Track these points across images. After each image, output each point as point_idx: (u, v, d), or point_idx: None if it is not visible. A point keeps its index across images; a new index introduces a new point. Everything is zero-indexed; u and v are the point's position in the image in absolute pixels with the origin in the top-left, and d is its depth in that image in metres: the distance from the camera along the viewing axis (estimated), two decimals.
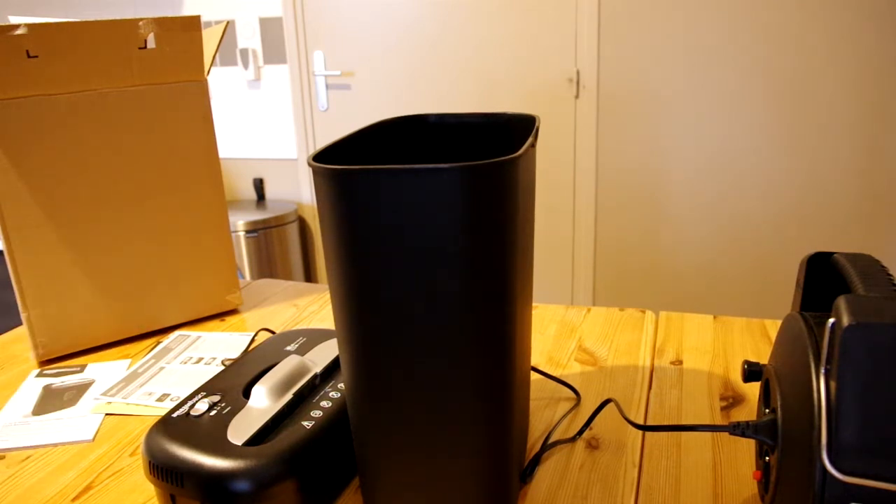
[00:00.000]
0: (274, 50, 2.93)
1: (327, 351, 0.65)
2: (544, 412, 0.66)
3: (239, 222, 2.76)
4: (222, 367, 0.74)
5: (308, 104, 2.95)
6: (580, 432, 0.63)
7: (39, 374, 0.79)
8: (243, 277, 2.85)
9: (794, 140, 2.35)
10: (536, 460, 0.58)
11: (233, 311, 0.95)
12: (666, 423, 0.64)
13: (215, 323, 0.91)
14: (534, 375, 0.73)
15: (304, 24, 2.86)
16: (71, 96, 0.77)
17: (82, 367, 0.80)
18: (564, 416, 0.66)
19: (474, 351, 0.44)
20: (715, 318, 0.86)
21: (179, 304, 0.89)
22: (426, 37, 2.70)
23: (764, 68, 2.31)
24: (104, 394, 0.73)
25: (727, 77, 2.36)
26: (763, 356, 0.75)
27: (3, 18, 3.36)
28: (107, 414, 0.69)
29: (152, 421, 0.68)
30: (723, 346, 0.78)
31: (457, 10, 2.62)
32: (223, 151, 3.17)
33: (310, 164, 0.43)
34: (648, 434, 0.62)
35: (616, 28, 2.43)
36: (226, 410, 0.54)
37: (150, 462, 0.50)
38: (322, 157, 0.48)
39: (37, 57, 0.74)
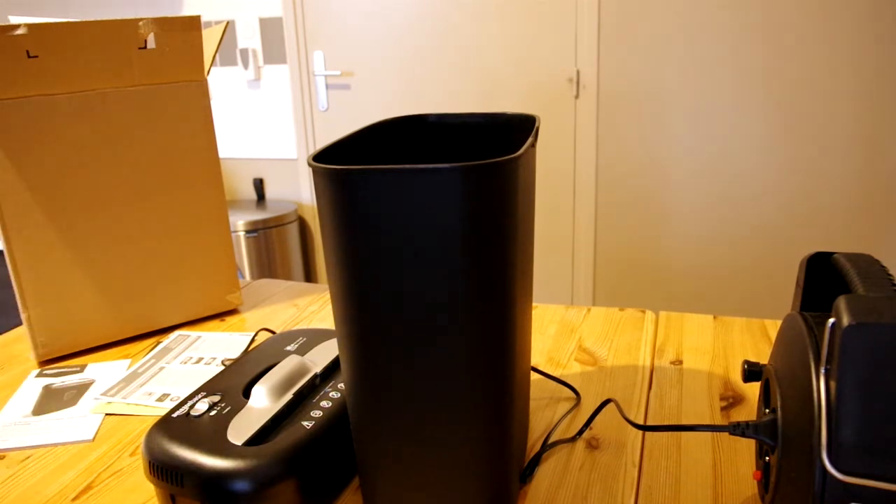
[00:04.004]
0: (274, 50, 2.93)
1: (327, 351, 0.65)
2: (544, 412, 0.66)
3: (239, 222, 2.75)
4: (222, 367, 0.74)
5: (308, 104, 2.95)
6: (580, 432, 0.63)
7: (39, 374, 0.79)
8: (243, 277, 2.85)
9: (793, 140, 2.35)
10: (536, 460, 0.58)
11: (233, 311, 0.95)
12: (666, 423, 0.64)
13: (215, 323, 0.91)
14: (534, 375, 0.73)
15: (304, 24, 2.86)
16: (71, 96, 0.77)
17: (82, 367, 0.80)
18: (564, 416, 0.66)
19: (474, 351, 0.44)
20: (715, 318, 0.86)
21: (179, 304, 0.89)
22: (426, 37, 2.70)
23: (764, 68, 2.31)
24: (104, 394, 0.73)
25: (727, 77, 2.36)
26: (763, 356, 0.75)
27: (3, 18, 3.36)
28: (107, 414, 0.69)
29: (152, 421, 0.68)
30: (723, 346, 0.78)
31: (457, 10, 2.62)
32: (223, 151, 3.17)
33: (310, 164, 0.43)
34: (648, 434, 0.62)
35: (616, 28, 2.43)
36: (226, 410, 0.54)
37: (150, 462, 0.50)
38: (322, 157, 0.48)
39: (37, 57, 0.74)
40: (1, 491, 0.58)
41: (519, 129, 0.62)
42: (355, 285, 0.43)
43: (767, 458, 0.48)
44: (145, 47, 0.80)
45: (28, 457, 0.63)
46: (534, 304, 0.90)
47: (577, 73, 2.52)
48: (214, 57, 0.86)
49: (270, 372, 0.58)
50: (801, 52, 2.26)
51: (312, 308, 0.95)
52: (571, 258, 2.73)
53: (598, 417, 0.65)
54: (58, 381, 0.77)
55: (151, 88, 0.82)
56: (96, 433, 0.66)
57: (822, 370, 0.39)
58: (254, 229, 2.78)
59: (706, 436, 0.61)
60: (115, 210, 0.82)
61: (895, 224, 2.33)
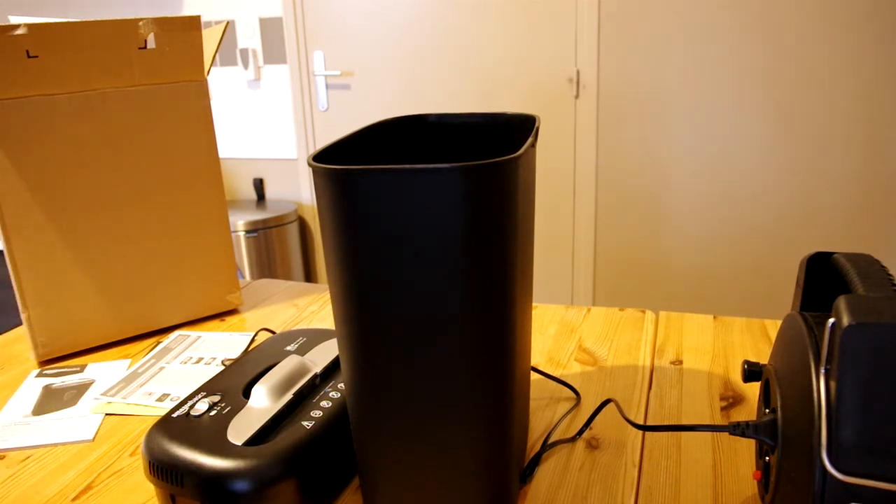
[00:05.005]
0: (274, 50, 2.93)
1: (327, 351, 0.65)
2: (544, 412, 0.66)
3: (239, 222, 2.75)
4: (222, 367, 0.74)
5: (308, 104, 2.95)
6: (580, 432, 0.63)
7: (39, 374, 0.79)
8: (243, 277, 2.85)
9: (793, 140, 2.35)
10: (536, 460, 0.58)
11: (233, 311, 0.95)
12: (666, 423, 0.64)
13: (215, 323, 0.91)
14: (534, 375, 0.73)
15: (304, 24, 2.85)
16: (71, 96, 0.77)
17: (82, 367, 0.80)
18: (564, 416, 0.66)
19: (474, 351, 0.44)
20: (715, 318, 0.86)
21: (179, 304, 0.89)
22: (426, 37, 2.70)
23: (764, 68, 2.31)
24: (104, 394, 0.73)
25: (727, 77, 2.36)
26: (763, 356, 0.75)
27: (3, 18, 3.36)
28: (107, 414, 0.69)
29: (152, 421, 0.68)
30: (723, 346, 0.78)
31: (457, 10, 2.62)
32: (223, 151, 3.17)
33: (310, 164, 0.43)
34: (648, 434, 0.62)
35: (616, 28, 2.43)
36: (226, 410, 0.54)
37: (150, 462, 0.50)
38: (322, 157, 0.48)
39: (37, 57, 0.74)
40: (1, 491, 0.58)
41: (519, 129, 0.62)
42: (355, 285, 0.43)
43: (767, 458, 0.48)
44: (145, 47, 0.80)
45: (28, 457, 0.63)
46: (534, 304, 0.90)
47: (577, 73, 2.52)
48: (214, 57, 0.86)
49: (270, 372, 0.58)
50: (801, 52, 2.26)
51: (312, 308, 0.95)
52: (571, 258, 2.73)
53: (598, 417, 0.65)
54: (58, 381, 0.77)
55: (151, 88, 0.82)
56: (96, 433, 0.66)
57: (822, 370, 0.39)
58: (254, 229, 2.78)
59: (706, 436, 0.61)
60: (115, 210, 0.82)
61: (895, 224, 2.33)
